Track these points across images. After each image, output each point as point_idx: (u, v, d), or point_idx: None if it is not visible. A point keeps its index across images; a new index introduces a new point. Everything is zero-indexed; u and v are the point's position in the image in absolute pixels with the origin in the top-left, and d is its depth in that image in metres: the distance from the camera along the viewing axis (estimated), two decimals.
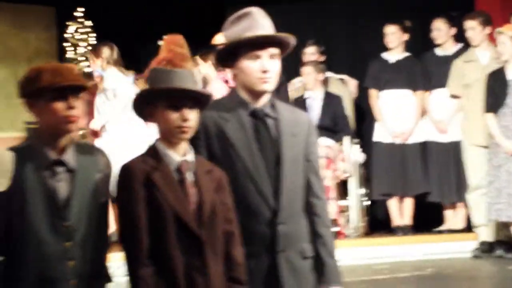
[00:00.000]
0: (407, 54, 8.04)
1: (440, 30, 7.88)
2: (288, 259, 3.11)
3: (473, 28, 7.46)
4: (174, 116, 2.94)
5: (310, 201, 3.21)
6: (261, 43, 3.11)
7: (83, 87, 2.97)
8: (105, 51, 7.68)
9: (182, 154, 2.98)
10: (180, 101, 2.95)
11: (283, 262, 3.10)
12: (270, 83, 3.14)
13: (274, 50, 3.14)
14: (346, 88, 8.44)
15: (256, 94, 3.15)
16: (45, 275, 2.85)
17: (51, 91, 2.90)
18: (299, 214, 3.18)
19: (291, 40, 3.18)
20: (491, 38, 7.43)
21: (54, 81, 2.89)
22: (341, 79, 8.52)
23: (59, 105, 2.91)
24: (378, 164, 7.95)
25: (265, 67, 3.10)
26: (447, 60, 7.70)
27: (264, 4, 3.45)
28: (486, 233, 7.29)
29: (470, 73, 7.42)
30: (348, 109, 8.18)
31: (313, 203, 3.21)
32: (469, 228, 7.62)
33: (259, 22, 3.15)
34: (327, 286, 3.19)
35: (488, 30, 7.47)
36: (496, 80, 7.04)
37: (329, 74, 8.33)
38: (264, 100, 3.17)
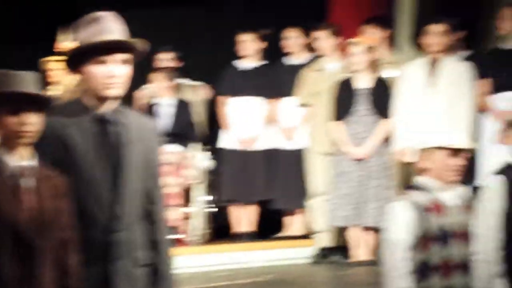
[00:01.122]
0: (262, 62, 8.12)
1: (291, 39, 7.99)
2: (123, 267, 3.10)
3: (322, 38, 7.62)
4: (12, 120, 2.88)
5: (149, 208, 3.21)
6: (108, 48, 3.07)
7: None
8: None
9: (20, 160, 2.92)
10: (18, 105, 2.88)
11: (118, 270, 3.08)
12: (116, 88, 3.11)
13: (122, 56, 3.10)
14: (199, 94, 8.45)
15: (101, 100, 3.12)
16: None
17: None
18: (137, 221, 3.17)
19: (140, 45, 3.14)
20: (341, 48, 7.62)
21: None
22: (194, 86, 8.52)
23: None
24: (223, 170, 8.00)
25: (111, 73, 3.07)
26: (297, 69, 7.80)
27: (122, 9, 3.40)
28: (324, 239, 7.44)
29: (318, 83, 7.55)
30: (201, 116, 8.20)
31: (151, 210, 3.22)
32: (308, 234, 7.74)
33: (108, 27, 3.10)
34: None
35: (337, 40, 7.65)
36: (343, 89, 7.21)
37: (182, 80, 8.31)
38: (110, 106, 3.14)
